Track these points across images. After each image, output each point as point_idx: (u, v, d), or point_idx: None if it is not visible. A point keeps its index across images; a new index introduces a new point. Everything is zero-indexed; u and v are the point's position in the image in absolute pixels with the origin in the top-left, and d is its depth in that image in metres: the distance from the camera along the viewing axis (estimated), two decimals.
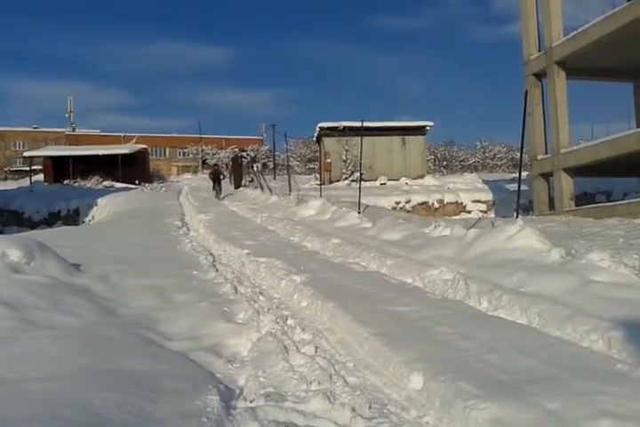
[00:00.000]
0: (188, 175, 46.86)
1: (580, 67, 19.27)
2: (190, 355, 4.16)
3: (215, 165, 28.30)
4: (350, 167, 30.32)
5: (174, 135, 60.40)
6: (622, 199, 19.83)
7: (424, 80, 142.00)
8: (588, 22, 18.07)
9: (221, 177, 24.61)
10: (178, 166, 55.53)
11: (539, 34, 20.72)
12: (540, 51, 20.39)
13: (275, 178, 32.58)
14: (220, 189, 23.79)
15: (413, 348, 4.11)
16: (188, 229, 13.51)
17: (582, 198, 21.04)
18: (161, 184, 31.73)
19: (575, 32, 18.49)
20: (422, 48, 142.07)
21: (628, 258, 5.96)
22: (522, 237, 7.14)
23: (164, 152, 59.51)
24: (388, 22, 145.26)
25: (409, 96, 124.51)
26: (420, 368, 3.70)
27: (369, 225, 12.08)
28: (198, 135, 55.68)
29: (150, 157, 46.44)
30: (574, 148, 18.80)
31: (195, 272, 7.43)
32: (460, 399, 3.20)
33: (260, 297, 6.14)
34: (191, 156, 54.83)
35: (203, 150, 52.72)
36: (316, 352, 4.28)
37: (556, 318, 4.64)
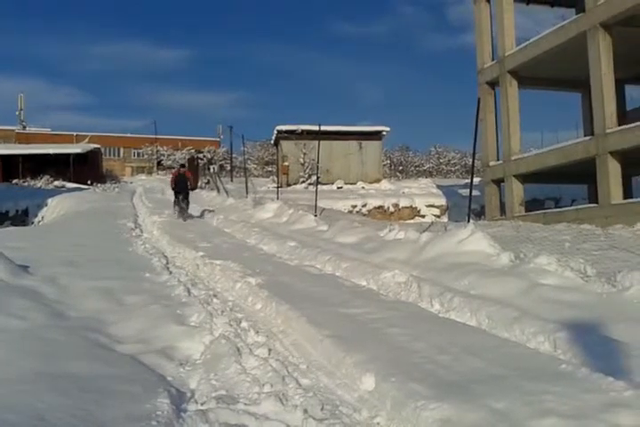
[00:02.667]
0: (142, 176, 46.07)
1: (532, 76, 19.86)
2: (141, 358, 4.09)
3: (182, 166, 19.09)
4: (308, 170, 30.40)
5: (129, 135, 59.23)
6: (570, 205, 20.49)
7: (382, 86, 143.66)
8: (539, 34, 18.66)
9: (189, 185, 16.31)
10: (132, 167, 54.46)
11: (492, 44, 21.26)
12: (493, 60, 20.92)
13: (232, 180, 32.37)
14: (187, 204, 15.84)
15: (366, 349, 4.14)
16: (142, 231, 13.28)
17: (532, 204, 21.63)
18: (114, 185, 31.10)
19: (527, 43, 19.05)
20: (380, 55, 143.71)
21: (573, 262, 6.16)
22: (473, 241, 7.31)
23: (118, 152, 58.29)
24: (347, 28, 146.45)
25: (367, 102, 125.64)
26: (372, 369, 3.73)
27: (325, 228, 12.14)
28: (154, 136, 54.76)
29: (103, 157, 45.42)
30: (525, 155, 19.34)
31: (147, 274, 7.31)
32: (411, 400, 3.25)
33: (214, 300, 6.08)
34: (146, 156, 53.86)
35: (158, 151, 51.89)
36: (269, 354, 4.27)
37: (504, 320, 4.76)
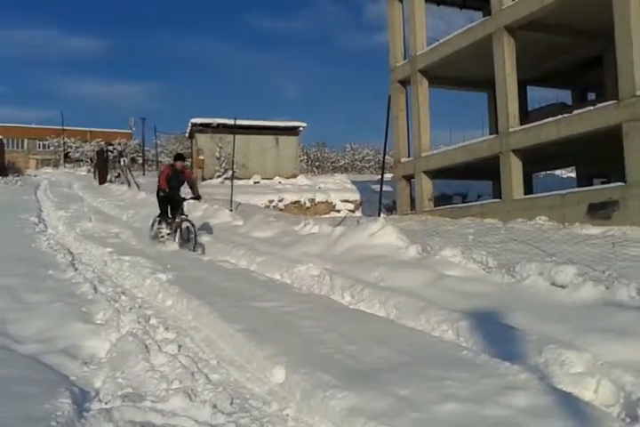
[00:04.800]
0: (48, 169, 43.74)
1: (442, 76, 20.57)
2: (42, 358, 3.91)
3: (178, 157, 10.12)
4: (224, 165, 30.03)
5: (33, 126, 56.15)
6: (476, 200, 21.43)
7: (300, 82, 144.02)
8: (448, 35, 19.36)
9: (196, 189, 10.17)
10: (37, 159, 51.69)
11: (405, 43, 21.82)
12: (405, 59, 21.48)
13: (144, 174, 31.39)
14: (192, 225, 9.54)
15: (277, 342, 4.16)
16: (46, 227, 12.63)
17: (441, 199, 22.46)
18: (17, 178, 29.35)
19: (437, 43, 19.72)
20: (300, 51, 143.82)
21: (476, 254, 6.46)
22: (383, 234, 7.50)
23: (22, 144, 55.18)
24: (266, 23, 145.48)
25: (285, 97, 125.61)
26: (282, 362, 3.76)
27: (240, 223, 12.07)
28: (60, 127, 52.17)
29: (6, 148, 42.78)
30: (434, 152, 20.04)
31: (50, 272, 6.98)
32: (319, 390, 3.30)
33: (122, 297, 5.90)
34: (52, 148, 51.27)
35: (65, 143, 49.51)
36: (179, 351, 4.20)
37: (411, 310, 4.92)
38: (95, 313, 5.15)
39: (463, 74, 20.62)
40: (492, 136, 17.97)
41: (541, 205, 14.87)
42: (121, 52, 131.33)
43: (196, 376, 3.67)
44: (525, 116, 19.51)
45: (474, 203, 19.14)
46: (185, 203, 9.79)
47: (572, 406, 3.03)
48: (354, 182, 30.89)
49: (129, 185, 23.86)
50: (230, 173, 22.92)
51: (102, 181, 26.71)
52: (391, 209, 22.78)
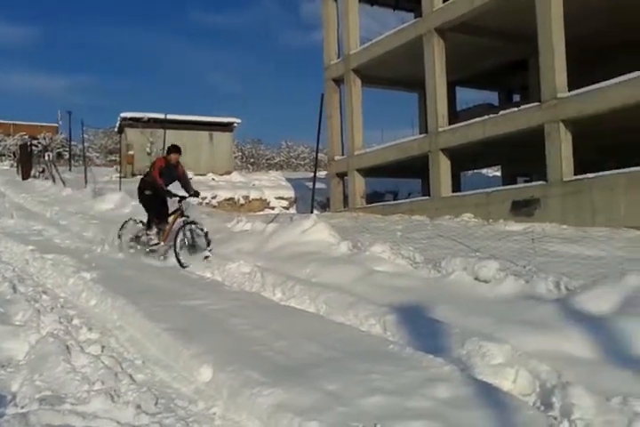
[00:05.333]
0: None
1: (374, 75, 20.84)
2: None
3: (172, 149, 8.21)
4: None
5: None
6: (407, 198, 21.87)
7: (236, 78, 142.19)
8: (381, 35, 19.63)
9: (190, 186, 8.26)
10: None
11: (339, 42, 21.97)
12: (339, 58, 21.63)
13: (70, 169, 30.18)
14: (201, 229, 7.75)
15: (205, 341, 4.11)
16: None
17: (373, 197, 22.77)
18: None
19: (370, 43, 19.95)
20: (236, 46, 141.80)
21: (404, 250, 6.60)
22: (315, 231, 7.55)
23: None
24: (201, 17, 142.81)
25: (220, 93, 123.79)
26: (210, 360, 3.71)
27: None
28: None
29: None
30: (367, 150, 20.30)
31: None
32: (246, 388, 3.28)
33: (44, 296, 5.67)
34: None
35: None
36: (102, 351, 4.07)
37: (340, 305, 4.97)
38: (14, 314, 4.93)
39: (395, 74, 20.97)
40: (422, 135, 18.37)
41: (468, 202, 15.36)
42: (48, 42, 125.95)
43: (120, 377, 3.58)
44: (454, 116, 20.05)
45: (404, 200, 19.54)
46: (184, 203, 7.86)
47: (491, 396, 3.14)
48: (288, 180, 30.87)
49: (54, 181, 22.91)
50: None
51: (26, 176, 25.52)
52: (325, 206, 22.93)
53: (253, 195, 28.06)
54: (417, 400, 3.06)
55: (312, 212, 9.20)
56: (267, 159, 59.53)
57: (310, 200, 19.31)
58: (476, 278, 5.48)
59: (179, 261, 7.45)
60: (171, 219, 7.97)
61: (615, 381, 3.46)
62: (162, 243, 7.93)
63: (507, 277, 5.23)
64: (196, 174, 30.00)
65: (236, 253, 7.88)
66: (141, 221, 8.42)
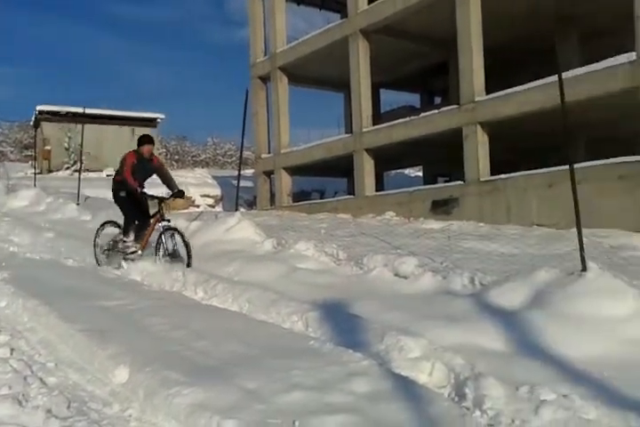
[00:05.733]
0: None
1: (301, 74, 20.92)
2: None
3: (143, 140, 7.21)
4: (73, 156, 28.16)
5: None
6: (333, 197, 22.11)
7: (160, 73, 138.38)
8: (307, 34, 19.72)
9: (173, 184, 7.38)
10: None
11: (265, 39, 21.90)
12: (265, 55, 21.55)
13: None
14: (180, 235, 6.83)
15: (122, 341, 3.99)
16: None
17: (300, 195, 22.88)
18: None
19: (296, 42, 20.00)
20: (161, 41, 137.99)
21: (328, 247, 6.67)
22: (240, 229, 7.51)
23: None
24: (123, 8, 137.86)
25: (144, 87, 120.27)
26: (126, 361, 3.61)
27: (89, 218, 11.46)
28: None
29: None
30: (294, 149, 20.35)
31: None
32: (164, 388, 3.21)
33: None
34: None
35: None
36: (11, 354, 3.87)
37: (263, 303, 4.96)
38: None
39: (321, 74, 21.13)
40: (348, 135, 18.61)
41: (391, 201, 15.72)
42: None
43: (30, 380, 3.41)
44: (378, 117, 20.45)
45: (330, 199, 19.76)
46: (165, 204, 7.03)
47: (408, 389, 3.23)
48: (215, 177, 30.45)
49: None
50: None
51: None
52: (252, 204, 22.80)
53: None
54: (336, 395, 3.09)
55: (237, 210, 9.13)
56: (192, 156, 58.51)
57: (239, 198, 19.16)
58: (396, 274, 5.62)
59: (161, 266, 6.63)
60: (150, 223, 7.06)
61: (524, 371, 3.63)
62: (140, 252, 6.97)
63: (425, 273, 5.39)
64: None
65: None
66: (115, 224, 7.56)
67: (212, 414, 2.89)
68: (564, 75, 11.46)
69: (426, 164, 23.65)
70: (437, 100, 25.03)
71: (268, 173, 21.28)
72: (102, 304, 5.10)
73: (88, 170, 25.37)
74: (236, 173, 34.65)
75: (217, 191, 28.07)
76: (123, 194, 7.07)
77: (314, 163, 19.27)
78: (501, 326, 4.25)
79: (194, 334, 4.23)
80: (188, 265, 6.47)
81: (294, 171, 20.45)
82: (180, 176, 30.16)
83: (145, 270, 6.51)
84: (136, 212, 7.08)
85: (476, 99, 13.84)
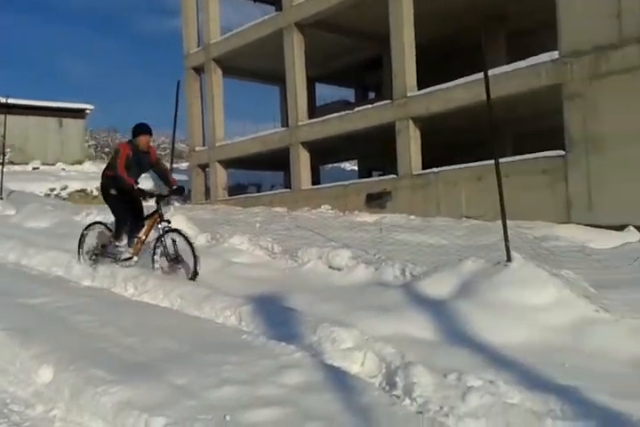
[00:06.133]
0: None
1: (236, 66, 20.67)
2: None
3: (139, 129, 6.26)
4: None
5: None
6: (270, 190, 22.04)
7: (89, 62, 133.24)
8: (242, 26, 19.49)
9: (170, 179, 6.51)
10: None
11: (199, 30, 21.49)
12: (199, 46, 21.16)
13: None
14: (186, 241, 5.89)
15: (47, 340, 3.85)
16: None
17: (236, 189, 22.67)
18: None
19: (231, 33, 19.74)
20: (88, 30, 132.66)
21: (263, 241, 6.64)
22: (174, 223, 7.34)
23: None
24: None
25: (71, 77, 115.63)
26: (50, 360, 3.48)
27: (13, 212, 11.01)
28: None
29: None
30: (229, 142, 20.12)
31: None
32: (90, 387, 3.12)
33: None
34: None
35: None
36: None
37: (196, 298, 4.89)
38: None
39: (257, 66, 20.95)
40: (283, 129, 18.57)
41: (326, 194, 15.82)
42: None
43: None
44: (314, 111, 20.49)
45: (265, 193, 19.69)
46: (163, 203, 6.36)
47: (340, 380, 3.26)
48: None
49: None
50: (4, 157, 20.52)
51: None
52: (187, 198, 22.41)
53: None
54: (268, 388, 3.09)
55: (169, 203, 8.94)
56: None
57: None
58: (330, 267, 5.66)
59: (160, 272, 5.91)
60: (146, 224, 6.19)
61: (452, 359, 3.74)
62: (135, 258, 6.15)
63: (358, 264, 5.46)
64: (44, 164, 27.91)
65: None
66: (105, 226, 6.70)
67: (140, 412, 2.83)
68: (492, 72, 11.87)
69: (361, 158, 23.92)
70: (372, 95, 25.32)
71: (203, 167, 20.96)
72: (25, 302, 4.91)
73: (12, 163, 24.20)
74: (168, 165, 33.79)
75: (150, 185, 27.42)
76: (114, 191, 6.21)
77: (249, 156, 19.13)
78: (431, 316, 4.35)
79: (123, 330, 4.13)
80: (195, 273, 5.64)
81: (229, 164, 20.23)
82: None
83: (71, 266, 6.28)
84: (129, 212, 6.24)
85: (409, 94, 14.10)
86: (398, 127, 14.25)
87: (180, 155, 41.43)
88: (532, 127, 15.62)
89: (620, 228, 10.01)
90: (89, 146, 42.61)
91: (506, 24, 16.42)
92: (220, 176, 20.00)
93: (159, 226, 5.95)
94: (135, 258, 6.14)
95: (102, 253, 6.42)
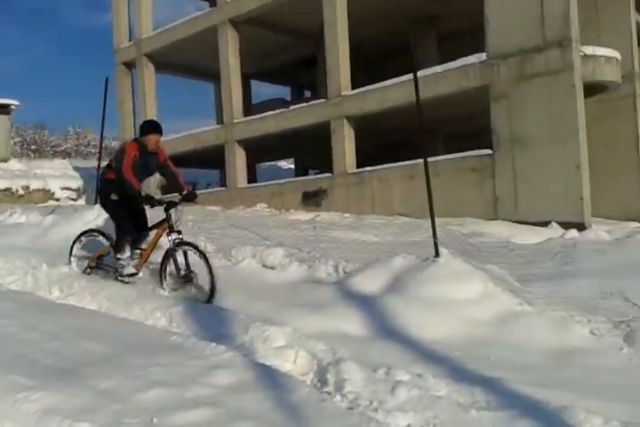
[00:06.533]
0: None
1: (169, 62, 20.24)
2: None
3: (147, 127, 5.75)
4: None
5: None
6: (206, 189, 21.72)
7: (14, 56, 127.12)
8: (175, 21, 19.11)
9: (181, 183, 5.86)
10: None
11: (130, 25, 20.92)
12: (130, 41, 20.60)
13: None
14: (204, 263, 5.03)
15: None
16: None
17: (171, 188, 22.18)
18: None
19: (163, 28, 19.32)
20: (13, 23, 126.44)
21: (196, 240, 6.53)
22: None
23: None
24: None
25: None
26: None
27: None
28: None
29: None
30: (162, 139, 19.66)
31: None
32: (11, 394, 2.98)
33: None
34: None
35: None
36: None
37: (125, 300, 4.78)
38: None
39: (191, 62, 20.58)
40: (218, 126, 18.34)
41: (262, 193, 15.75)
42: None
43: None
44: (249, 108, 20.34)
45: (201, 191, 19.37)
46: (174, 211, 5.30)
47: (271, 379, 3.26)
48: (77, 169, 28.68)
49: None
50: None
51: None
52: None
53: (35, 185, 25.54)
54: (197, 390, 3.05)
55: (96, 202, 8.69)
56: (52, 146, 54.85)
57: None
58: (264, 265, 5.65)
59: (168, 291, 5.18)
60: (152, 235, 5.51)
61: (382, 354, 3.81)
62: (140, 274, 5.48)
63: (292, 262, 5.47)
64: None
65: (7, 248, 7.11)
66: (102, 234, 5.96)
67: (62, 418, 2.74)
68: (423, 73, 12.15)
69: (297, 156, 23.94)
70: (308, 93, 25.38)
71: None
72: None
73: None
74: (102, 163, 32.73)
75: (79, 184, 26.49)
76: (115, 197, 5.47)
77: (184, 154, 18.76)
78: (362, 312, 4.42)
79: (46, 335, 3.97)
80: (212, 295, 4.87)
81: None
82: (38, 167, 28.12)
83: None
84: (132, 220, 5.48)
85: (343, 93, 14.21)
86: (333, 126, 14.35)
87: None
88: (463, 127, 16.07)
89: (544, 224, 10.47)
90: (14, 143, 40.78)
91: (437, 25, 16.80)
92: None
93: (169, 237, 5.20)
94: (140, 274, 5.46)
95: (98, 265, 5.76)
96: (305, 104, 15.57)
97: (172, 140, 19.23)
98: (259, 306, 4.63)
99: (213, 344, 3.65)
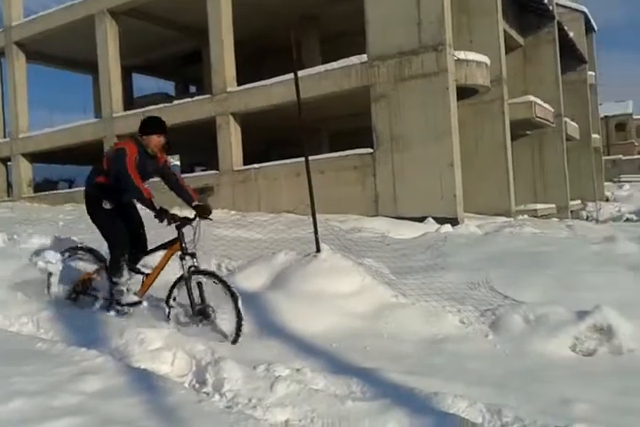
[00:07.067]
0: None
1: (43, 52, 19.05)
2: None
3: (149, 126, 4.49)
4: None
5: None
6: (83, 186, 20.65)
7: None
8: (49, 8, 17.98)
9: (187, 191, 4.73)
10: None
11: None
12: None
13: None
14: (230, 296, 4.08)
15: None
16: None
17: (45, 185, 20.96)
18: None
19: (36, 16, 18.13)
20: None
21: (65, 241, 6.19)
22: None
23: None
24: None
25: None
26: None
27: None
28: None
29: None
30: (34, 133, 18.48)
31: None
32: None
33: None
34: None
35: None
36: None
37: None
38: None
39: (67, 53, 19.46)
40: (96, 120, 17.50)
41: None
42: None
43: None
44: (131, 102, 19.58)
45: (77, 189, 18.40)
46: (187, 229, 4.37)
47: (146, 382, 3.15)
48: None
49: None
50: None
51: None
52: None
53: None
54: (64, 398, 2.88)
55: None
56: None
57: None
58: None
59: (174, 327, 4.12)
60: (159, 258, 4.53)
61: (264, 350, 3.82)
62: (145, 303, 4.49)
63: (172, 261, 5.31)
64: None
65: None
66: (91, 250, 4.87)
67: None
68: (308, 72, 12.31)
69: (183, 152, 23.38)
70: (193, 88, 24.85)
71: (5, 160, 19.01)
72: None
73: None
74: None
75: None
76: (108, 205, 4.43)
77: (59, 149, 17.74)
78: (245, 309, 4.38)
79: None
80: (237, 335, 3.99)
81: (36, 158, 18.58)
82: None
83: None
84: (129, 236, 4.51)
85: (228, 89, 14.06)
86: (219, 122, 14.16)
87: None
88: (349, 125, 16.47)
89: (421, 219, 11.00)
90: None
91: (319, 25, 17.06)
92: (25, 171, 18.29)
93: (182, 262, 4.24)
94: (145, 303, 4.47)
95: (84, 290, 4.71)
96: (190, 99, 15.24)
97: (45, 135, 18.14)
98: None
99: (83, 349, 3.47)
